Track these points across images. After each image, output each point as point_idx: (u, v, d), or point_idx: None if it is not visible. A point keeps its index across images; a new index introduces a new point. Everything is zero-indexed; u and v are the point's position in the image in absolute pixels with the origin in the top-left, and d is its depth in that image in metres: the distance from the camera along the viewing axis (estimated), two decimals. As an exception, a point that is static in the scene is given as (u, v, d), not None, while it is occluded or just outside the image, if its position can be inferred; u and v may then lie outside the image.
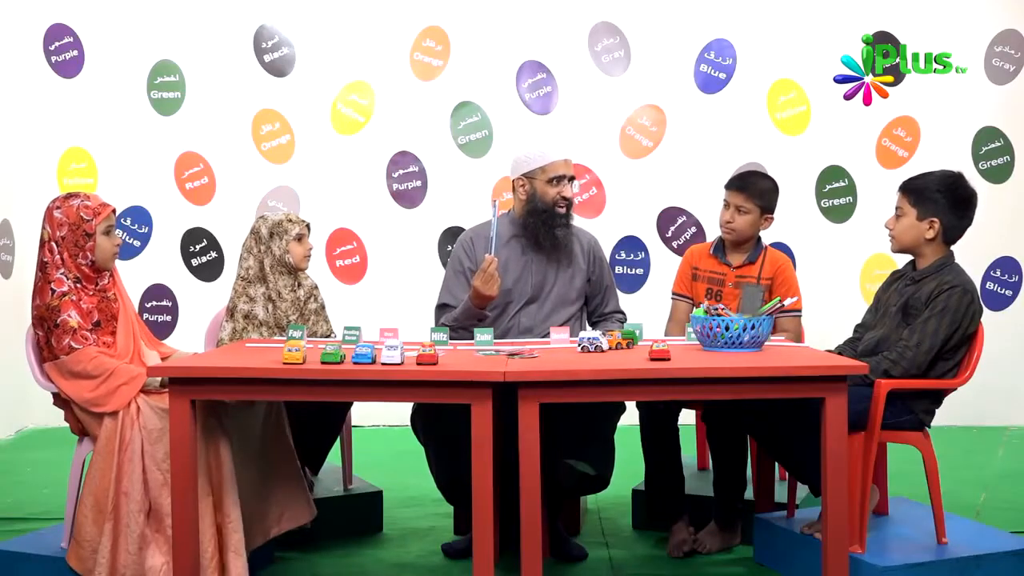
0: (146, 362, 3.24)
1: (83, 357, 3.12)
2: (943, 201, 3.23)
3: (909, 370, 3.12)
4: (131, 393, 3.11)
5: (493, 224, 3.54)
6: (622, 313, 3.80)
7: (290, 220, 3.69)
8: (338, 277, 5.93)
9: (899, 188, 3.34)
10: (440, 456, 3.37)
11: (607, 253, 5.88)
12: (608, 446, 3.40)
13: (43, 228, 3.24)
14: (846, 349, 3.41)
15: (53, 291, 3.16)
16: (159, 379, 3.11)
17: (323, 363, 2.81)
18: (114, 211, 3.31)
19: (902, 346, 3.14)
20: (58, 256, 3.19)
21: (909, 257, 3.37)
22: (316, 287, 3.83)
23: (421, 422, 3.44)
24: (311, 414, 3.60)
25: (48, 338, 3.16)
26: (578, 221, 5.79)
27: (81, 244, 3.21)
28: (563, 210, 3.60)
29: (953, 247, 3.30)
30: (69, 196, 3.26)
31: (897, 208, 3.31)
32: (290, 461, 3.40)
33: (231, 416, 3.16)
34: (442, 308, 3.67)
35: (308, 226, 3.75)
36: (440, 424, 3.29)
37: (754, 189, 3.68)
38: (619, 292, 5.78)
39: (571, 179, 3.63)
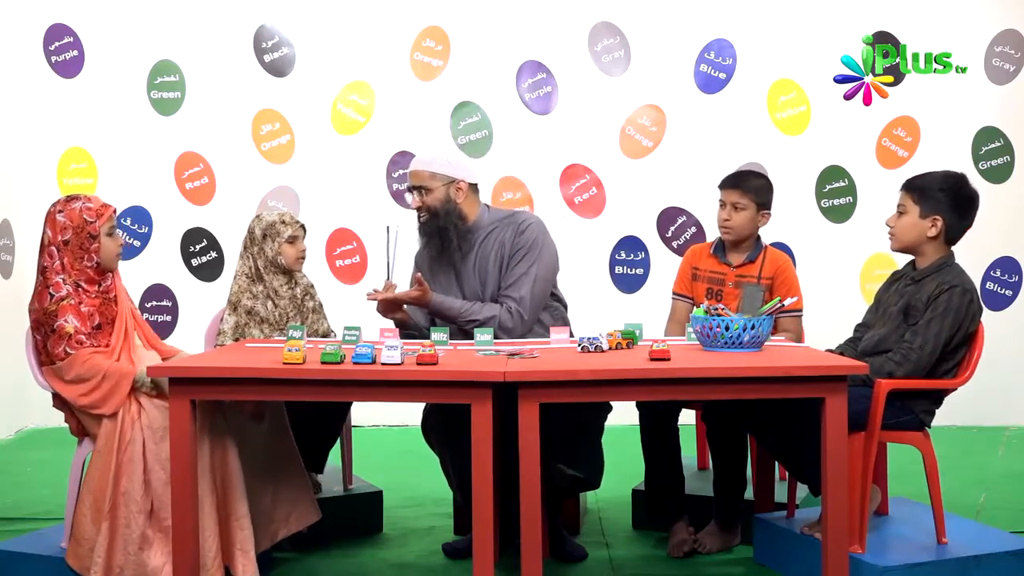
0: (138, 362, 3.22)
1: (75, 362, 3.11)
2: (946, 200, 3.23)
3: (913, 372, 3.12)
4: (123, 393, 3.10)
5: (388, 249, 3.56)
6: (513, 300, 3.49)
7: (283, 222, 3.68)
8: (338, 277, 5.93)
9: (902, 187, 3.34)
10: (456, 456, 3.36)
11: (607, 253, 5.91)
12: (595, 447, 3.39)
13: (44, 232, 3.23)
14: (847, 349, 3.41)
15: (52, 296, 3.16)
16: (150, 380, 3.10)
17: (323, 363, 2.81)
18: (115, 211, 3.31)
19: (906, 348, 3.14)
20: (58, 261, 3.19)
21: (909, 257, 3.37)
22: (312, 286, 3.83)
23: (433, 425, 3.45)
24: (311, 414, 3.60)
25: (45, 343, 3.16)
26: (578, 221, 5.84)
27: (86, 246, 3.20)
28: (421, 218, 3.59)
29: (953, 248, 3.30)
30: (70, 199, 3.25)
31: (899, 206, 3.31)
32: (294, 462, 3.41)
33: (234, 421, 3.17)
34: None
35: (303, 227, 3.74)
36: (453, 425, 3.28)
37: (748, 185, 3.69)
38: (619, 292, 5.90)
39: (415, 189, 3.58)
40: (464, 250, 3.58)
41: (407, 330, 3.57)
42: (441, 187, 3.56)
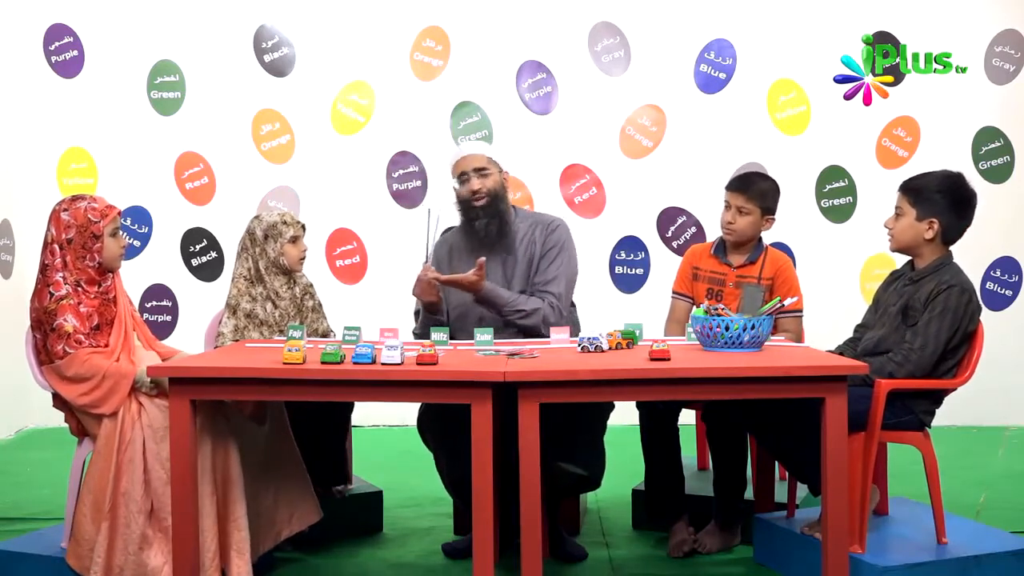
0: (138, 362, 3.22)
1: (75, 361, 3.11)
2: (943, 202, 3.23)
3: (914, 373, 3.13)
4: (123, 393, 3.10)
5: (428, 231, 3.56)
6: (553, 296, 3.55)
7: (285, 222, 3.67)
8: (338, 277, 5.94)
9: (899, 188, 3.34)
10: (450, 456, 3.36)
11: (607, 253, 5.91)
12: (597, 446, 3.39)
13: (48, 230, 3.23)
14: (847, 349, 3.41)
15: (51, 294, 3.15)
16: (150, 380, 3.10)
17: (323, 363, 2.81)
18: (120, 213, 3.30)
19: (906, 348, 3.14)
20: (59, 259, 3.19)
21: (909, 256, 3.37)
22: (311, 285, 3.82)
23: (429, 424, 3.45)
24: (318, 434, 3.61)
25: (45, 342, 3.16)
26: (578, 221, 5.83)
27: (89, 246, 3.20)
28: (480, 201, 3.58)
29: (953, 247, 3.30)
30: (75, 198, 3.26)
31: (897, 208, 3.32)
32: (295, 462, 3.41)
33: (234, 421, 3.17)
34: (418, 314, 3.72)
35: (303, 227, 3.74)
36: (449, 424, 3.29)
37: (755, 190, 3.68)
38: (619, 292, 5.90)
39: (478, 171, 3.58)
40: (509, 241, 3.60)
41: (435, 315, 3.56)
42: (496, 173, 3.61)
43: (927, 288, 3.19)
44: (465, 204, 3.61)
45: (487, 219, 3.58)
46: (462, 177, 3.62)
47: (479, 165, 3.59)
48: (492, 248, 3.60)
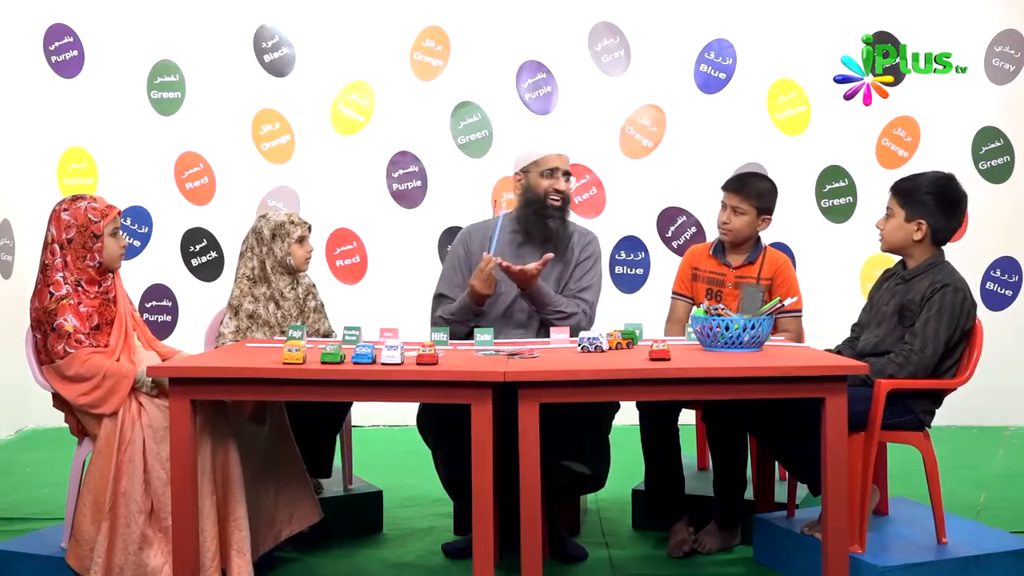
0: (138, 362, 3.22)
1: (75, 361, 3.11)
2: (932, 203, 3.24)
3: (915, 374, 3.13)
4: (123, 393, 3.10)
5: (497, 225, 3.59)
6: (587, 304, 3.64)
7: (292, 222, 3.67)
8: (338, 277, 5.94)
9: (890, 188, 3.35)
10: (448, 455, 3.37)
11: (607, 253, 5.91)
12: (603, 445, 3.40)
13: (48, 230, 3.23)
14: (844, 349, 3.41)
15: (51, 294, 3.16)
16: (151, 380, 3.10)
17: (323, 363, 2.81)
18: (120, 213, 3.30)
19: (907, 350, 3.14)
20: (59, 259, 3.19)
21: (900, 256, 3.37)
22: (313, 285, 3.82)
23: (427, 422, 3.45)
24: (309, 423, 3.60)
25: (45, 341, 3.16)
26: (578, 221, 5.83)
27: (89, 246, 3.20)
28: (556, 202, 3.63)
29: (952, 247, 3.30)
30: (76, 198, 3.26)
31: (887, 208, 3.33)
32: (295, 462, 3.41)
33: (234, 421, 3.17)
34: (440, 298, 3.70)
35: (309, 227, 3.74)
36: (447, 423, 3.29)
37: (751, 191, 3.68)
38: (619, 292, 5.90)
39: (566, 174, 3.66)
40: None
41: (480, 307, 3.57)
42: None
43: (921, 288, 3.20)
44: (540, 199, 3.64)
45: (555, 219, 3.64)
46: (549, 172, 3.64)
47: (568, 168, 3.68)
48: (545, 247, 3.62)
